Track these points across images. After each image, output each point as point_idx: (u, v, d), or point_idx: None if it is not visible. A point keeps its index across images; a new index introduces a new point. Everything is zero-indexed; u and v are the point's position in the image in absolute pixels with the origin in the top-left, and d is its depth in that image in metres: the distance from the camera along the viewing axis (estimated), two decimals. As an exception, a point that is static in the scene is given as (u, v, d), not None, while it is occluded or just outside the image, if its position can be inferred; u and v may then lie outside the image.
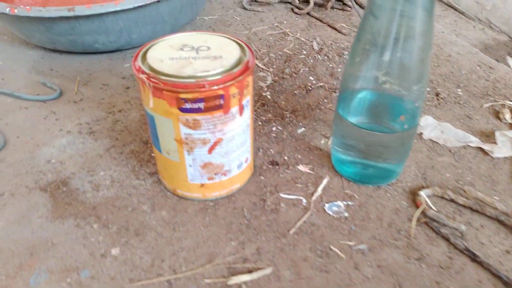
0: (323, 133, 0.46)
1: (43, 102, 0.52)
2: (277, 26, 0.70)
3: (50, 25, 0.53)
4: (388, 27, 0.30)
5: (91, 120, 0.48)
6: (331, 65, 0.59)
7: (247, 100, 0.34)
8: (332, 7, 0.76)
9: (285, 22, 0.72)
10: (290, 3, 0.77)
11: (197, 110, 0.31)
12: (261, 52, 0.63)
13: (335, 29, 0.69)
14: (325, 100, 0.52)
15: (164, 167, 0.37)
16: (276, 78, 0.56)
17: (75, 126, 0.47)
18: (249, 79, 0.33)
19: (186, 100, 0.30)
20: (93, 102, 0.51)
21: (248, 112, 0.34)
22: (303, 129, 0.47)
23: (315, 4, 0.76)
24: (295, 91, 0.53)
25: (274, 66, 0.59)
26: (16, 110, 0.50)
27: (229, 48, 0.33)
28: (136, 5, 0.51)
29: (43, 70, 0.59)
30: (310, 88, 0.54)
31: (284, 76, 0.56)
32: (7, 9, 0.50)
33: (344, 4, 0.76)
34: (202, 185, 0.36)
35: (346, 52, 0.62)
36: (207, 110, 0.31)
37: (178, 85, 0.29)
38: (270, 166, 0.41)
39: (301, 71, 0.57)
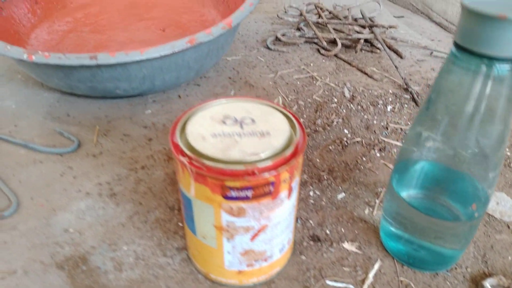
0: (366, 200, 0.42)
1: (59, 155, 0.48)
2: (303, 69, 0.67)
3: (69, 72, 0.50)
4: (467, 106, 0.26)
5: (112, 179, 0.44)
6: (365, 116, 0.55)
7: (296, 181, 0.30)
8: (361, 49, 0.73)
9: (311, 64, 0.69)
10: (316, 43, 0.74)
11: (244, 198, 0.27)
12: (289, 99, 0.59)
13: (366, 73, 0.65)
14: (363, 159, 0.48)
15: (197, 250, 0.32)
16: (308, 130, 0.52)
17: (95, 186, 0.43)
18: (300, 159, 0.29)
19: (232, 188, 0.26)
20: (114, 157, 0.48)
21: (296, 193, 0.30)
22: (343, 194, 0.42)
23: (342, 45, 0.73)
24: (330, 147, 0.50)
25: (305, 116, 0.55)
26: (30, 165, 0.46)
27: (275, 121, 0.30)
28: (162, 54, 0.48)
29: (59, 116, 0.55)
30: (346, 144, 0.50)
31: (317, 128, 0.53)
32: (25, 56, 0.47)
33: (373, 45, 0.73)
34: (239, 272, 0.32)
35: (381, 101, 0.58)
36: (255, 197, 0.27)
37: (225, 172, 0.26)
38: (312, 243, 0.37)
39: (334, 123, 0.54)
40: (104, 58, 0.47)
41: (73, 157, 0.48)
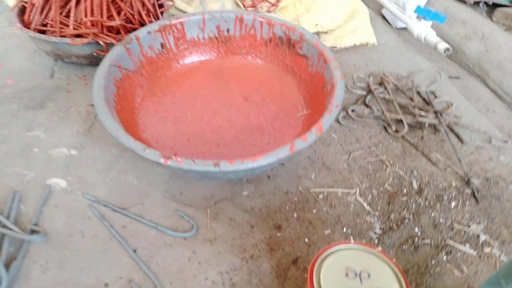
0: (436, 307, 0.52)
1: (183, 239, 0.60)
2: (373, 151, 0.76)
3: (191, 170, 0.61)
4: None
5: (230, 268, 0.56)
6: (433, 214, 0.64)
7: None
8: (420, 124, 0.81)
9: (380, 145, 0.78)
10: (383, 120, 0.83)
11: None
12: (364, 187, 0.69)
13: (430, 160, 0.74)
14: (433, 261, 0.57)
15: None
16: (384, 226, 0.62)
17: (217, 275, 0.55)
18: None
19: None
20: (226, 244, 0.59)
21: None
22: (417, 299, 0.53)
23: (407, 124, 0.81)
24: (403, 246, 0.59)
25: (379, 208, 0.65)
26: (162, 247, 0.58)
27: (387, 279, 0.40)
28: (269, 161, 0.59)
29: (174, 194, 0.67)
30: (417, 245, 0.60)
31: (391, 224, 0.63)
32: (161, 160, 0.58)
33: (436, 129, 0.81)
34: None
35: (446, 197, 0.67)
36: None
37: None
38: None
39: (406, 220, 0.63)
40: (225, 166, 0.58)
41: (194, 241, 0.59)
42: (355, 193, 0.68)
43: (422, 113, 0.81)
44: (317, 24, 1.15)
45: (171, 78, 0.87)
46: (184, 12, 1.09)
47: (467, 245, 0.60)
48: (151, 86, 0.84)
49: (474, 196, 0.67)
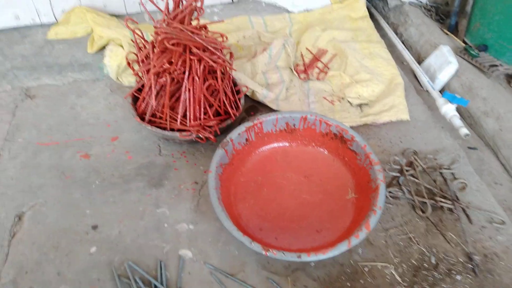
0: None
1: (275, 301, 0.91)
2: (404, 228, 1.05)
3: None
4: None
5: (308, 325, 0.87)
6: (443, 286, 0.93)
7: None
8: (441, 207, 1.08)
9: (409, 223, 1.06)
10: (412, 200, 1.11)
11: None
12: (396, 261, 0.98)
13: (445, 238, 1.03)
14: (442, 325, 0.87)
15: None
16: (409, 296, 0.92)
17: (300, 330, 0.86)
18: None
19: None
20: (304, 306, 0.90)
21: None
22: None
23: (431, 205, 1.09)
24: (423, 313, 0.89)
25: (407, 280, 0.94)
26: (262, 307, 0.90)
27: None
28: (333, 255, 0.89)
29: (264, 263, 0.98)
30: (432, 312, 0.89)
31: (415, 296, 0.92)
32: (263, 252, 0.89)
33: (452, 211, 1.08)
34: None
35: (454, 271, 0.96)
36: None
37: None
38: None
39: (425, 291, 0.93)
40: (304, 257, 0.88)
41: (282, 303, 0.91)
42: (391, 267, 0.97)
43: (442, 199, 1.09)
44: (359, 96, 1.42)
45: (252, 164, 1.17)
46: (255, 91, 1.37)
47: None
48: (237, 171, 1.14)
49: (474, 271, 0.96)
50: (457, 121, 1.26)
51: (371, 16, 1.90)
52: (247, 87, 1.35)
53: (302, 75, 1.53)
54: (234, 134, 1.11)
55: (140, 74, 1.24)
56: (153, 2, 1.15)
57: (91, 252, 0.98)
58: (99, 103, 1.42)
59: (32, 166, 1.19)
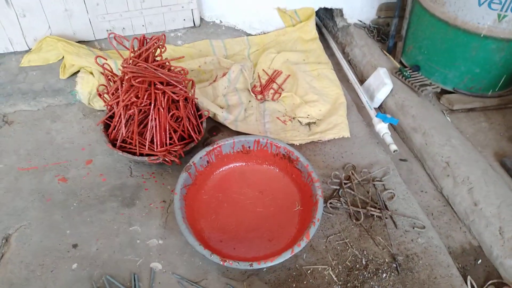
0: None
1: (232, 302, 1.09)
2: (341, 234, 1.25)
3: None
4: None
5: (259, 321, 1.06)
6: (371, 283, 1.14)
7: None
8: (372, 215, 1.29)
9: (345, 230, 1.27)
10: (349, 210, 1.31)
11: None
12: (334, 263, 1.18)
13: (375, 242, 1.24)
14: (367, 314, 1.08)
15: None
16: (343, 291, 1.12)
17: (253, 325, 1.05)
18: None
19: None
20: (256, 305, 1.09)
21: None
22: (356, 337, 1.03)
23: (363, 214, 1.30)
24: (352, 304, 1.09)
25: (342, 279, 1.15)
26: (222, 307, 1.08)
27: None
28: (281, 261, 1.08)
29: (223, 270, 1.16)
30: (360, 304, 1.10)
31: (347, 291, 1.12)
32: (221, 262, 1.07)
33: (381, 218, 1.29)
34: None
35: (380, 270, 1.17)
36: None
37: None
38: None
39: None
40: (255, 265, 1.07)
41: (239, 303, 1.09)
42: (329, 269, 1.17)
43: (372, 208, 1.29)
44: (308, 115, 1.61)
45: (213, 182, 1.34)
46: (216, 114, 1.54)
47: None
48: (200, 190, 1.31)
49: (397, 269, 1.17)
50: (388, 138, 1.47)
51: (322, 35, 2.10)
52: (208, 111, 1.52)
53: (259, 96, 1.71)
54: (196, 158, 1.28)
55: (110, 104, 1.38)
56: (121, 43, 1.30)
57: (73, 268, 1.13)
58: (72, 128, 1.56)
59: (15, 190, 1.32)
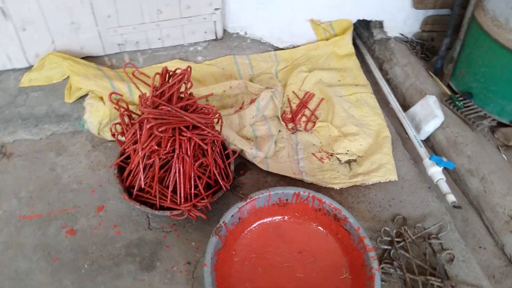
0: None
1: None
2: (396, 309, 1.08)
3: None
4: None
5: None
6: None
7: None
8: (432, 284, 1.11)
9: (400, 303, 1.09)
10: (405, 278, 1.13)
11: None
12: None
13: None
14: None
15: None
16: None
17: None
18: None
19: None
20: None
21: None
22: None
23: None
24: None
25: None
26: None
27: None
28: None
29: None
30: None
31: None
32: None
33: (441, 288, 1.11)
34: None
35: None
36: None
37: None
38: None
39: None
40: None
41: None
42: None
43: (432, 278, 1.11)
44: (348, 151, 1.42)
45: (245, 241, 1.16)
46: (243, 149, 1.34)
47: None
48: (230, 251, 1.13)
49: None
50: (444, 186, 1.28)
51: (355, 46, 1.88)
52: (236, 150, 1.32)
53: (290, 125, 1.51)
54: (227, 217, 1.09)
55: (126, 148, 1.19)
56: (138, 78, 1.10)
57: None
58: (80, 163, 1.37)
59: (17, 246, 1.15)
